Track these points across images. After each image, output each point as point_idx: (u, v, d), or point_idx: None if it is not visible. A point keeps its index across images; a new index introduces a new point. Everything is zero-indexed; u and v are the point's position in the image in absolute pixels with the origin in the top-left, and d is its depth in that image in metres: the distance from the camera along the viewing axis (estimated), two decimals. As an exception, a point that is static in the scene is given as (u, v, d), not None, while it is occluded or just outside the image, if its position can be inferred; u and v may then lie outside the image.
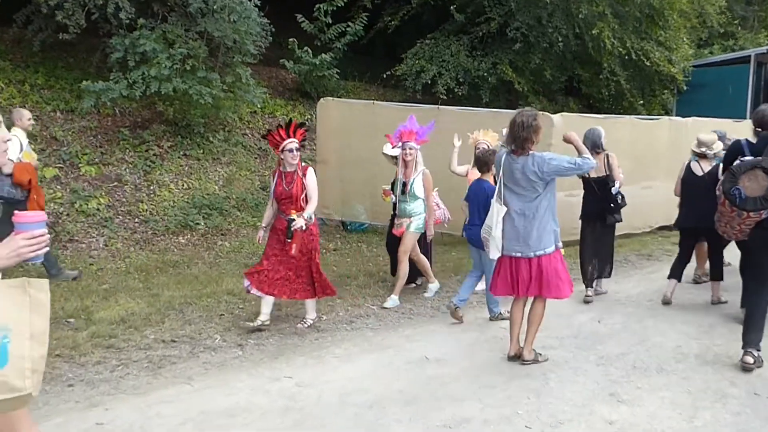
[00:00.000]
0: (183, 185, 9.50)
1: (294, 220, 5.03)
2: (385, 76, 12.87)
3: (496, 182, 4.89)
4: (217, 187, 9.70)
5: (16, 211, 2.02)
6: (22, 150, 6.33)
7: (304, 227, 5.05)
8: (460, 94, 12.14)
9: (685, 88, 15.45)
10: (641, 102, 15.20)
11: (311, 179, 5.22)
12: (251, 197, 9.73)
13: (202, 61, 9.67)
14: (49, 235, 1.96)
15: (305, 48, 11.93)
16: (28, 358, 1.76)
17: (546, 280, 4.35)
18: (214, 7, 9.42)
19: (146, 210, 8.73)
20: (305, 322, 5.38)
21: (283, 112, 12.07)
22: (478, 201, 5.47)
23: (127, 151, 9.50)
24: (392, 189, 6.37)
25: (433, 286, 6.51)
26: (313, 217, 5.22)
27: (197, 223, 8.69)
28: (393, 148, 6.47)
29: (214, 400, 3.89)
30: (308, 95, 12.63)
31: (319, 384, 4.17)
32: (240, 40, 9.82)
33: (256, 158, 10.74)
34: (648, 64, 13.76)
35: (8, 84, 9.84)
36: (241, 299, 6.00)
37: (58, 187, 8.46)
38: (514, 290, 4.50)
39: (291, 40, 11.97)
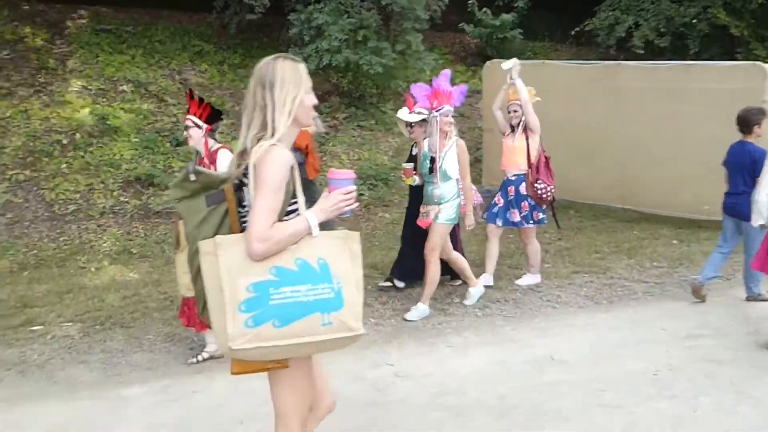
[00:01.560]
0: (354, 156, 9.64)
1: None
2: (573, 33, 11.60)
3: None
4: (386, 158, 9.68)
5: (331, 169, 2.19)
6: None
7: None
8: (660, 46, 10.45)
9: None
10: None
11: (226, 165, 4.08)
12: (419, 168, 9.55)
13: (374, 31, 9.64)
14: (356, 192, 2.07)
15: (484, 9, 11.25)
16: (356, 302, 1.95)
17: None
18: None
19: (317, 182, 9.02)
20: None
21: (463, 78, 11.56)
22: (743, 165, 4.73)
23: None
24: (415, 167, 5.12)
25: (476, 291, 5.14)
26: None
27: (361, 194, 8.75)
28: (411, 112, 5.18)
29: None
30: (491, 59, 11.94)
31: (417, 377, 3.82)
32: (409, 6, 9.56)
33: (428, 128, 10.48)
34: None
35: (210, 65, 10.87)
36: (382, 274, 5.82)
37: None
38: None
39: (471, 2, 11.38)
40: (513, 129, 5.49)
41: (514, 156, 5.41)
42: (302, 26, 9.52)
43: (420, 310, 4.87)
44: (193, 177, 1.98)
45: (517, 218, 5.41)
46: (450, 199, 4.81)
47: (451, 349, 4.29)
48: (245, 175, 1.95)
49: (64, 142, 8.28)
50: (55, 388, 3.72)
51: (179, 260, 1.94)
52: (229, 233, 1.95)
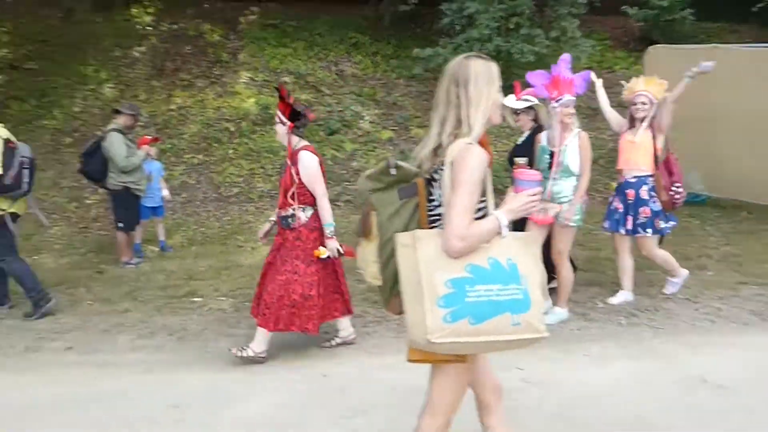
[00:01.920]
0: (502, 147, 9.44)
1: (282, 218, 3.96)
2: (756, 9, 10.24)
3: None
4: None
5: (518, 169, 2.23)
6: None
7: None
8: None
9: None
10: None
11: (305, 166, 3.84)
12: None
13: (527, 18, 9.32)
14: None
15: (651, -11, 10.38)
16: (540, 303, 2.02)
17: None
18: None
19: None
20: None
21: (623, 65, 10.84)
22: None
23: (452, 113, 9.84)
24: (530, 162, 4.67)
25: (561, 312, 4.66)
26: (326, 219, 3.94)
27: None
28: (518, 99, 4.81)
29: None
30: (657, 44, 11.01)
31: (547, 384, 3.66)
32: (566, -11, 9.11)
33: (584, 118, 9.93)
34: None
35: (365, 56, 11.21)
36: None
37: (390, 148, 9.33)
38: None
39: (637, -18, 10.56)
40: (633, 124, 4.87)
41: (636, 154, 4.79)
42: (454, 16, 9.47)
43: (557, 313, 4.61)
44: (393, 171, 2.05)
45: (630, 225, 4.82)
46: (570, 197, 4.45)
47: (589, 358, 4.06)
48: (437, 171, 2.02)
49: (232, 129, 9.05)
50: (206, 356, 4.11)
51: (368, 249, 2.04)
52: (418, 227, 2.02)
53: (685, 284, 5.25)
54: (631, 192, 4.81)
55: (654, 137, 4.79)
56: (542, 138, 4.56)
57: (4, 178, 4.58)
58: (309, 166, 3.85)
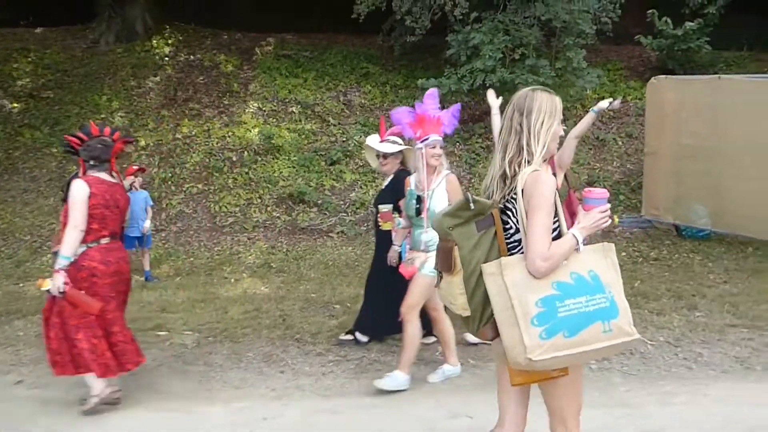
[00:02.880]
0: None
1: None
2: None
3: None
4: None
5: (587, 188, 2.33)
6: None
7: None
8: None
9: None
10: None
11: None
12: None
13: (533, 48, 9.22)
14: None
15: (664, 19, 10.17)
16: (627, 308, 2.14)
17: None
18: (549, -13, 8.84)
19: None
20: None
21: (637, 95, 10.58)
22: None
23: (457, 144, 9.76)
24: (394, 208, 4.35)
25: (451, 370, 4.18)
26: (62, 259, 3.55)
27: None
28: (382, 140, 4.38)
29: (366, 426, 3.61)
30: (673, 73, 10.75)
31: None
32: (572, 20, 8.97)
33: (590, 149, 9.71)
34: None
35: (374, 86, 11.24)
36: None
37: (390, 178, 9.25)
38: None
39: (650, 11, 10.36)
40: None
41: None
42: (459, 47, 9.43)
43: (396, 379, 3.94)
44: (472, 205, 2.13)
45: None
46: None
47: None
48: (509, 200, 2.15)
49: (234, 159, 9.14)
50: (149, 395, 4.03)
51: (453, 283, 2.16)
52: (498, 255, 2.13)
53: (669, 326, 4.99)
54: None
55: (554, 175, 4.39)
56: (411, 181, 4.10)
57: None
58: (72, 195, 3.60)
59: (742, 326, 4.99)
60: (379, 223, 4.61)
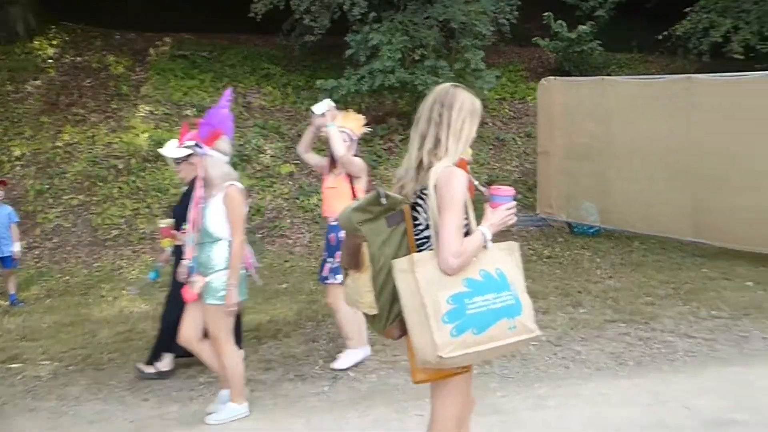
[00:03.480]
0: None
1: None
2: (660, 37, 10.32)
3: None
4: (441, 183, 9.16)
5: (492, 186, 2.30)
6: None
7: None
8: (764, 52, 9.08)
9: None
10: None
11: None
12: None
13: (433, 50, 9.20)
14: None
15: (559, 22, 10.43)
16: (529, 306, 2.15)
17: None
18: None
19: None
20: None
21: (535, 96, 10.79)
22: None
23: (359, 145, 9.59)
24: (177, 223, 3.90)
25: (238, 408, 3.63)
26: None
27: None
28: (180, 146, 3.91)
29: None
30: (569, 74, 11.07)
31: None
32: (469, 21, 9.02)
33: (490, 149, 9.80)
34: None
35: (275, 87, 10.92)
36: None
37: (290, 183, 8.99)
38: None
39: (546, 14, 10.61)
40: (334, 164, 4.20)
41: (334, 201, 4.13)
42: (358, 47, 9.28)
43: (231, 409, 3.61)
44: (384, 200, 2.07)
45: (325, 272, 4.21)
46: (221, 268, 3.43)
47: (422, 417, 3.71)
48: (420, 196, 2.12)
49: (120, 166, 8.58)
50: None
51: (360, 280, 2.08)
52: (407, 252, 2.08)
53: (553, 325, 5.01)
54: (333, 236, 4.15)
55: (351, 181, 4.17)
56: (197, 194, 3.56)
57: None
58: None
59: (620, 321, 5.06)
60: (161, 244, 4.19)
